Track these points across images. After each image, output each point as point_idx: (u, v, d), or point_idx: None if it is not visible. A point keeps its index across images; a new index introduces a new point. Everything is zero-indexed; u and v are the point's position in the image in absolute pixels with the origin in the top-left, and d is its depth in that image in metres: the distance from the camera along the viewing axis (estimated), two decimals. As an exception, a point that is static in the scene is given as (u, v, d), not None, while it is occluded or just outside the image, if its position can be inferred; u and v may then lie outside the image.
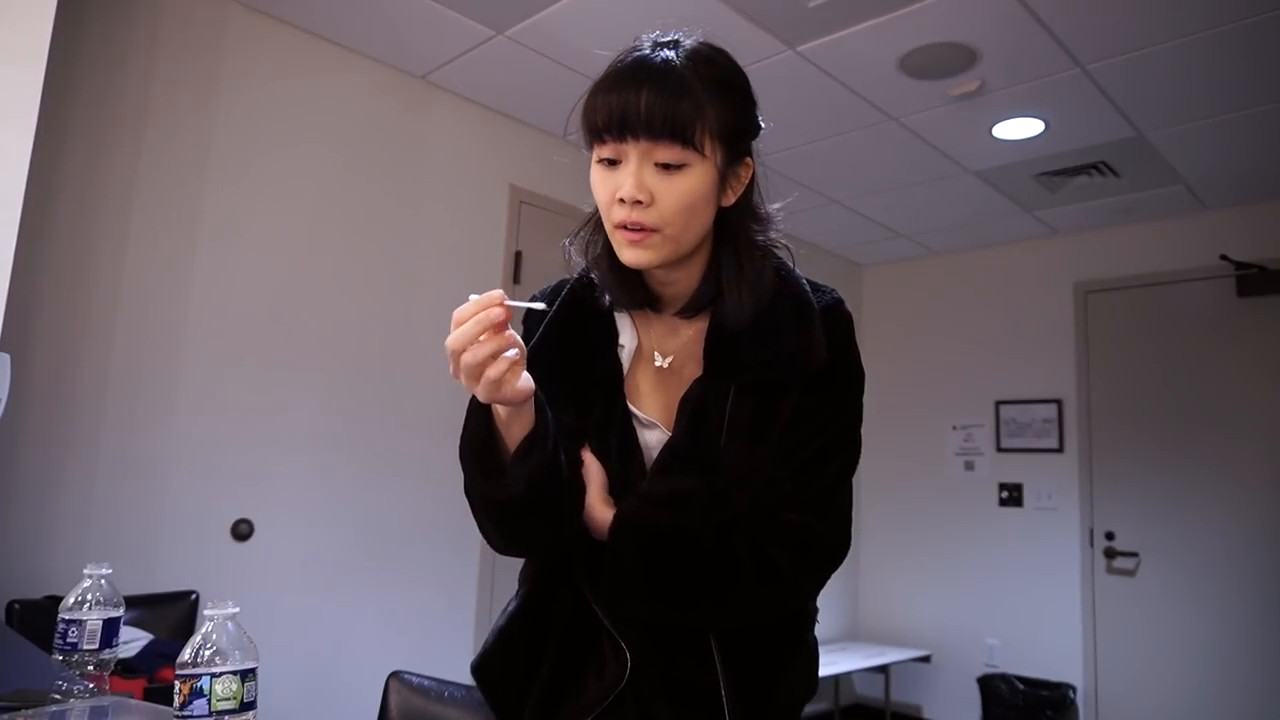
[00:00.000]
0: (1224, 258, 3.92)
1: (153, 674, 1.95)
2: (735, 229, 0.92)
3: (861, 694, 4.85)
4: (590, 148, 0.87)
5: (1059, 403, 4.39)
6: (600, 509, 0.88)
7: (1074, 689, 4.11)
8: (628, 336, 0.97)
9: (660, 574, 0.85)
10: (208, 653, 0.83)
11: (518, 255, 3.32)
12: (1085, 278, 4.41)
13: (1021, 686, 4.16)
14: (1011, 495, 4.49)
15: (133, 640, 2.04)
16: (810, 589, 0.92)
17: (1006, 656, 4.38)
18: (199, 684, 0.82)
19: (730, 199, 0.90)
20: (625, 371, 0.96)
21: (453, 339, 0.76)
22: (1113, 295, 4.33)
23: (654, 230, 0.84)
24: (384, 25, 2.74)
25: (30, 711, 0.97)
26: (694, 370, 0.93)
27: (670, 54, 0.85)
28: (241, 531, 2.53)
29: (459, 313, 0.76)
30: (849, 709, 4.78)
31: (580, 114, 0.87)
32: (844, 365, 0.93)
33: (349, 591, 2.76)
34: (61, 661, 1.07)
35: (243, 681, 0.84)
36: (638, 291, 0.95)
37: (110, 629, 1.09)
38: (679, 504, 0.87)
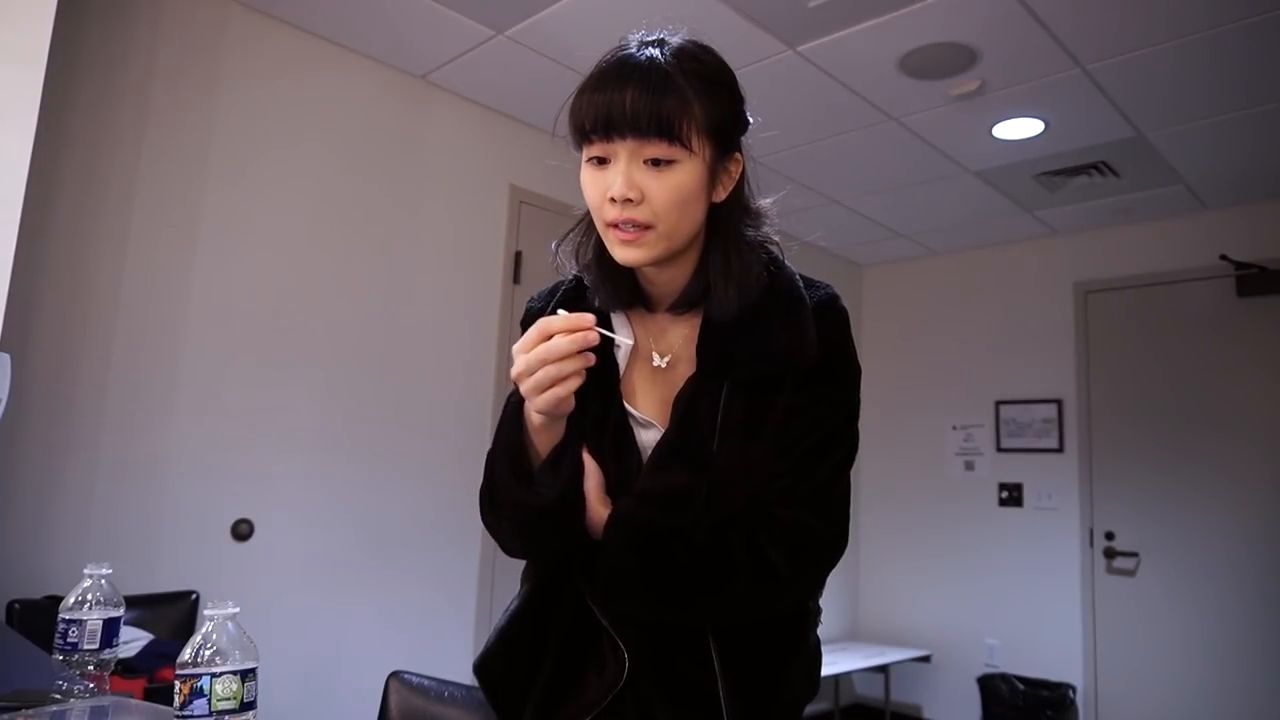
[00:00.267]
0: (1224, 258, 3.92)
1: (153, 674, 1.95)
2: (726, 225, 0.92)
3: (861, 694, 4.85)
4: (579, 148, 0.87)
5: (1059, 403, 4.39)
6: (597, 508, 0.89)
7: (1074, 689, 4.11)
8: (623, 336, 0.98)
9: (655, 571, 0.85)
10: (208, 653, 0.83)
11: (518, 255, 3.32)
12: (1085, 278, 4.41)
13: (1021, 686, 4.16)
14: (1011, 495, 4.49)
15: (133, 640, 2.04)
16: (807, 586, 0.92)
17: (1006, 656, 4.38)
18: (199, 684, 0.82)
19: (721, 194, 0.90)
20: (621, 371, 0.96)
21: (546, 350, 0.78)
22: (1113, 295, 4.33)
23: (647, 227, 0.84)
24: (384, 25, 2.74)
25: (30, 711, 0.97)
26: (687, 368, 0.93)
27: (655, 52, 0.85)
28: (241, 531, 2.53)
29: (548, 325, 0.79)
30: (849, 709, 4.78)
31: (568, 115, 0.87)
32: (839, 360, 0.92)
33: (349, 591, 2.76)
34: (61, 661, 1.07)
35: (243, 681, 0.84)
36: (628, 291, 0.96)
37: (110, 629, 1.08)
38: (673, 502, 0.87)
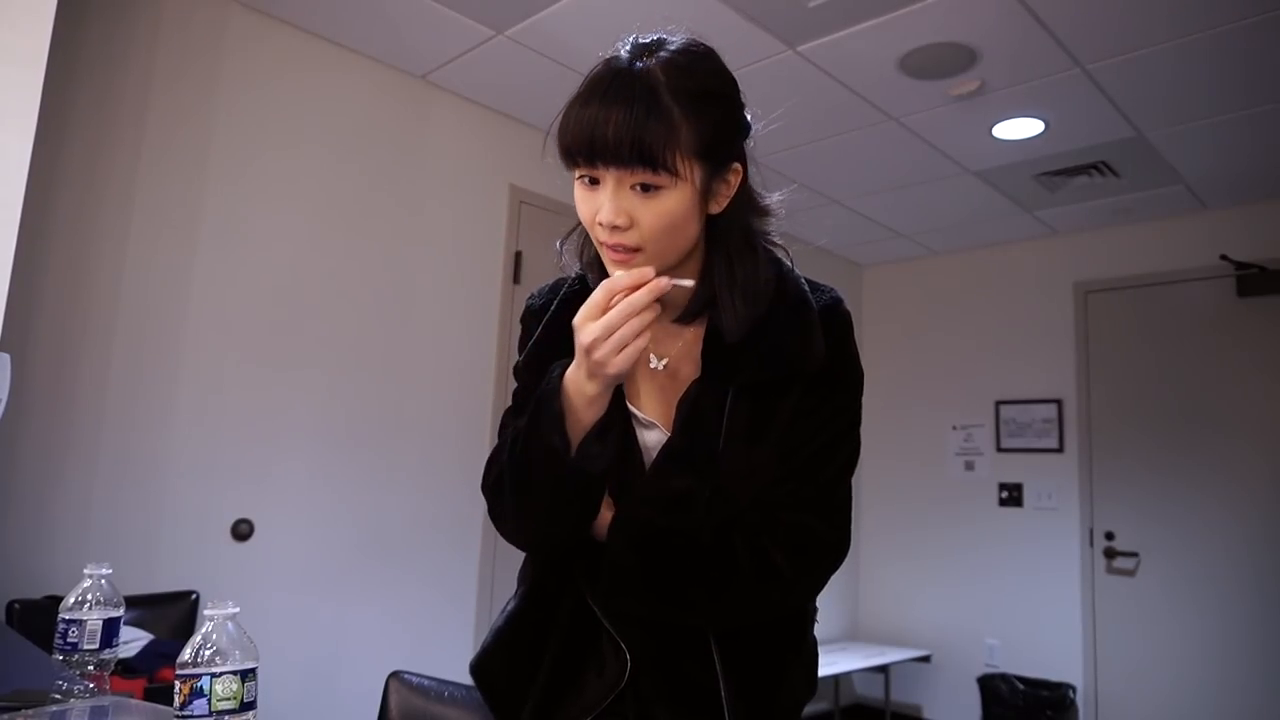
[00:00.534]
0: (1224, 258, 3.92)
1: (153, 674, 1.95)
2: (727, 235, 0.91)
3: (861, 694, 4.85)
4: (566, 168, 0.86)
5: (1059, 403, 4.39)
6: (600, 509, 0.89)
7: (1074, 689, 4.11)
8: None
9: (657, 573, 0.85)
10: (208, 653, 0.83)
11: (518, 255, 3.32)
12: (1085, 278, 4.41)
13: (1021, 686, 4.16)
14: (1011, 495, 4.49)
15: (133, 640, 2.04)
16: (809, 588, 0.91)
17: (1006, 656, 4.38)
18: (199, 684, 0.82)
19: (719, 207, 0.89)
20: None
21: (629, 304, 0.79)
22: (1113, 295, 4.33)
23: (637, 250, 0.84)
24: (384, 25, 2.74)
25: (30, 711, 0.97)
26: (692, 371, 0.93)
27: (646, 64, 0.83)
28: (241, 531, 2.53)
29: (614, 284, 0.80)
30: (849, 709, 4.78)
31: (556, 129, 0.85)
32: (843, 365, 0.92)
33: (349, 591, 2.76)
34: (61, 661, 1.07)
35: (243, 681, 0.84)
36: None
37: (110, 629, 1.09)
38: (676, 504, 0.87)
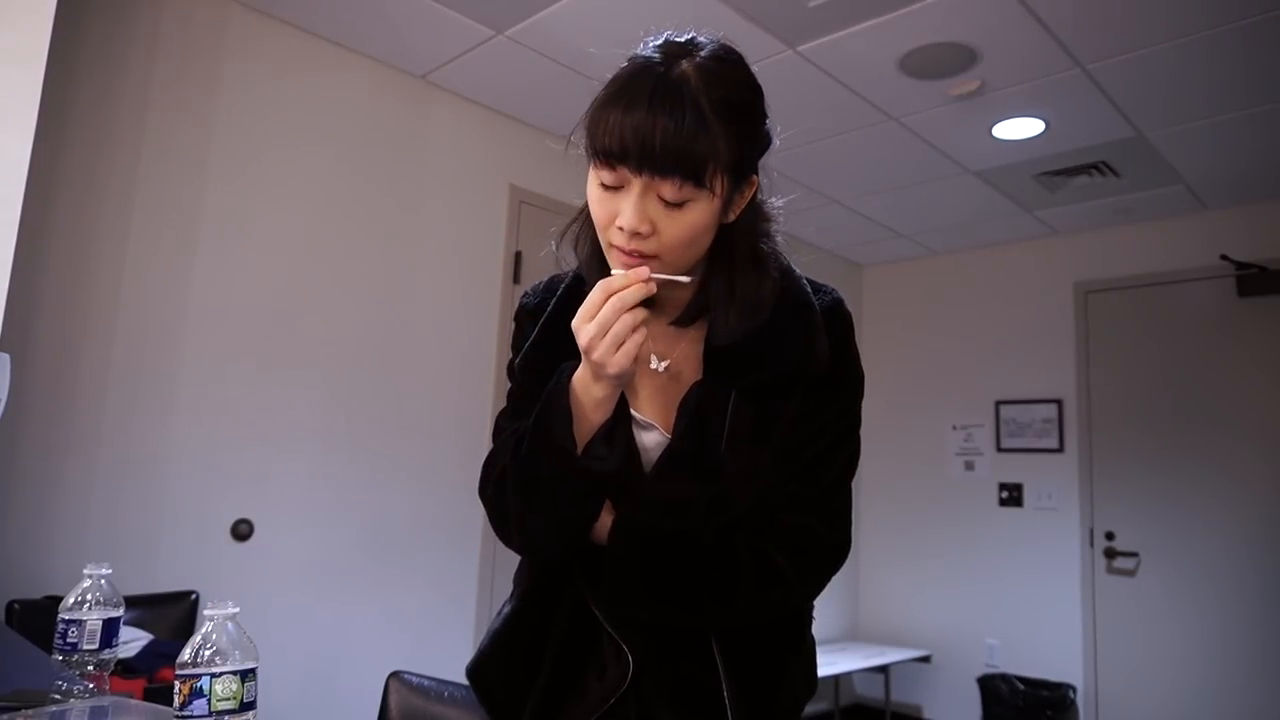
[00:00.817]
0: (1224, 258, 3.92)
1: (153, 674, 1.95)
2: (734, 245, 0.90)
3: (861, 694, 4.85)
4: (593, 165, 0.84)
5: (1059, 403, 4.39)
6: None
7: (1074, 689, 4.11)
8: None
9: (660, 577, 0.85)
10: (208, 653, 0.83)
11: (518, 255, 3.32)
12: (1085, 278, 4.41)
13: (1021, 686, 4.16)
14: (1011, 495, 4.49)
15: (133, 640, 2.04)
16: (811, 590, 0.91)
17: (1006, 656, 4.38)
18: (199, 684, 0.82)
19: (732, 216, 0.88)
20: None
21: (620, 300, 0.79)
22: (1113, 295, 4.33)
23: (654, 258, 0.83)
24: (384, 25, 2.74)
25: (30, 711, 0.97)
26: (692, 373, 0.92)
27: (684, 68, 0.80)
28: (241, 531, 2.53)
29: (610, 283, 0.80)
30: (849, 709, 4.78)
31: (587, 124, 0.83)
32: (845, 367, 0.92)
33: (349, 591, 2.76)
34: (61, 661, 1.07)
35: (243, 681, 0.84)
36: None
37: (110, 629, 1.09)
38: (679, 507, 0.87)
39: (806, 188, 3.93)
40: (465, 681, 1.02)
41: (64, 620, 1.07)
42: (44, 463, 2.20)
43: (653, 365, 0.94)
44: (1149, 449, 4.10)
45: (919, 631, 4.71)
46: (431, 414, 3.02)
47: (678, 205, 0.81)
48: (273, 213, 2.67)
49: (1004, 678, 4.25)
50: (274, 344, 2.65)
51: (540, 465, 0.85)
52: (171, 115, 2.47)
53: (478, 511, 3.10)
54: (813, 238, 4.67)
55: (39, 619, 1.94)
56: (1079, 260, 4.44)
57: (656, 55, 0.83)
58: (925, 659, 4.56)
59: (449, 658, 2.96)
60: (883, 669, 4.43)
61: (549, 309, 0.97)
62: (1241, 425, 3.85)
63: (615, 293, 0.80)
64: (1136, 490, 4.11)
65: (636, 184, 0.80)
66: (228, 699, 0.83)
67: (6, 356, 1.31)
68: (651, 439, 0.92)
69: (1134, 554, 4.08)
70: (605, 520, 0.87)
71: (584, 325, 0.80)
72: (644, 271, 0.81)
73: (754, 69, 0.89)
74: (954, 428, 4.75)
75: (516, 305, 1.03)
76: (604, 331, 0.79)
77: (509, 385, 1.00)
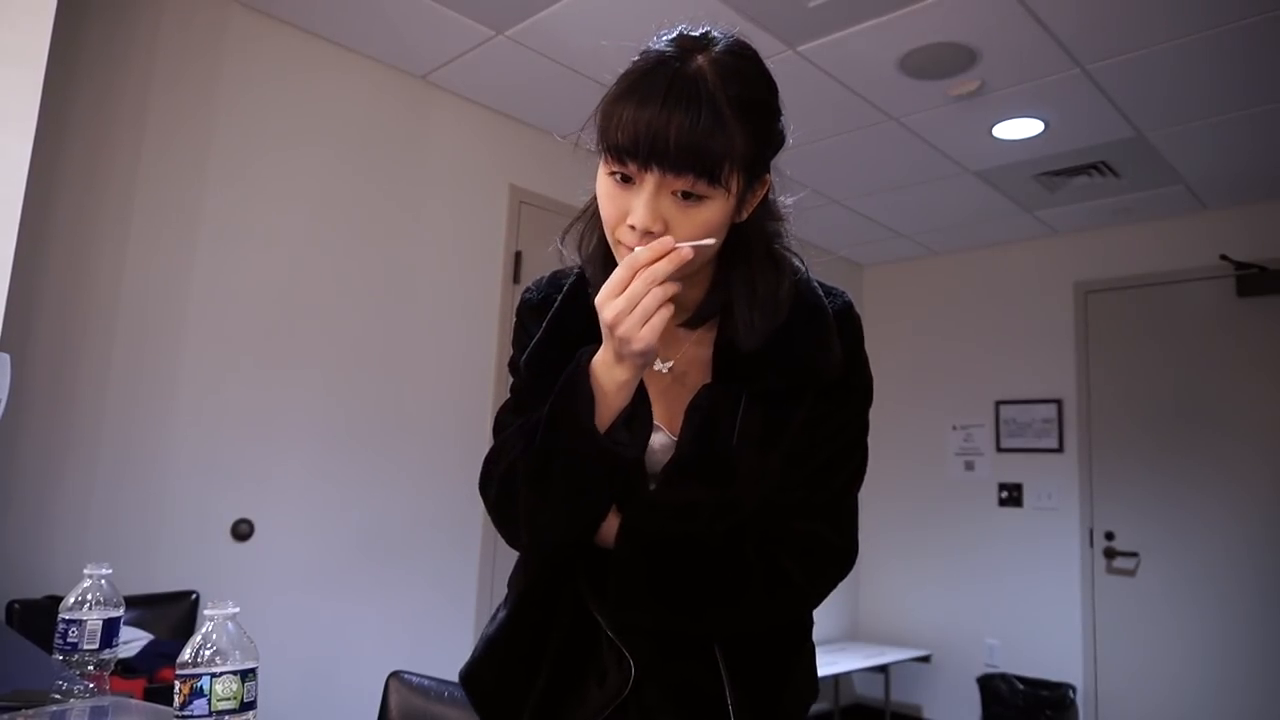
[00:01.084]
0: (1224, 258, 3.92)
1: (153, 674, 1.95)
2: (749, 244, 0.88)
3: (861, 694, 4.85)
4: (603, 159, 0.82)
5: (1059, 403, 4.39)
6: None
7: (1074, 689, 4.11)
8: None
9: (668, 581, 0.84)
10: (208, 653, 0.83)
11: (518, 255, 3.32)
12: (1085, 278, 4.41)
13: (1021, 686, 4.16)
14: (1011, 495, 4.49)
15: (133, 640, 2.04)
16: (819, 596, 0.90)
17: (1006, 656, 4.38)
18: (199, 684, 0.82)
19: (744, 215, 0.85)
20: None
21: (651, 273, 0.76)
22: (1113, 295, 4.33)
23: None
24: (384, 25, 2.74)
25: (30, 711, 0.97)
26: (700, 376, 0.91)
27: (700, 63, 0.79)
28: (241, 531, 2.53)
29: (636, 257, 0.77)
30: (849, 709, 4.78)
31: (600, 119, 0.80)
32: (856, 372, 0.91)
33: (349, 591, 2.76)
34: (61, 661, 1.07)
35: (243, 681, 0.84)
36: None
37: (110, 629, 1.09)
38: (687, 512, 0.85)
39: (806, 188, 3.93)
40: (464, 683, 1.01)
41: (64, 620, 1.07)
42: (44, 463, 2.20)
43: (657, 366, 0.93)
44: (1149, 449, 4.10)
45: (919, 631, 4.71)
46: (431, 414, 3.02)
47: (692, 203, 0.79)
48: (273, 213, 2.67)
49: (1004, 677, 4.25)
50: (274, 344, 2.65)
51: (559, 449, 0.82)
52: (172, 115, 2.48)
53: (478, 511, 3.10)
54: (813, 238, 4.66)
55: (39, 619, 1.94)
56: (1079, 260, 4.44)
57: (671, 49, 0.80)
58: (925, 659, 4.56)
59: (449, 658, 2.96)
60: (883, 669, 4.43)
61: (555, 305, 0.94)
62: (1241, 425, 3.85)
63: (642, 267, 0.77)
64: (1136, 490, 4.11)
65: (649, 181, 0.78)
66: (228, 699, 0.83)
67: (6, 356, 1.31)
68: (657, 441, 0.90)
69: (1134, 554, 4.08)
70: (611, 523, 0.85)
71: (610, 300, 0.77)
72: (669, 241, 0.77)
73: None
74: (954, 428, 4.75)
75: (518, 301, 1.01)
76: (633, 305, 0.76)
77: (511, 381, 0.99)
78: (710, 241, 0.81)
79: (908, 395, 4.91)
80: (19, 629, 1.90)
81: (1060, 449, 4.36)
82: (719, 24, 0.85)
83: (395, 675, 1.35)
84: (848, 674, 4.46)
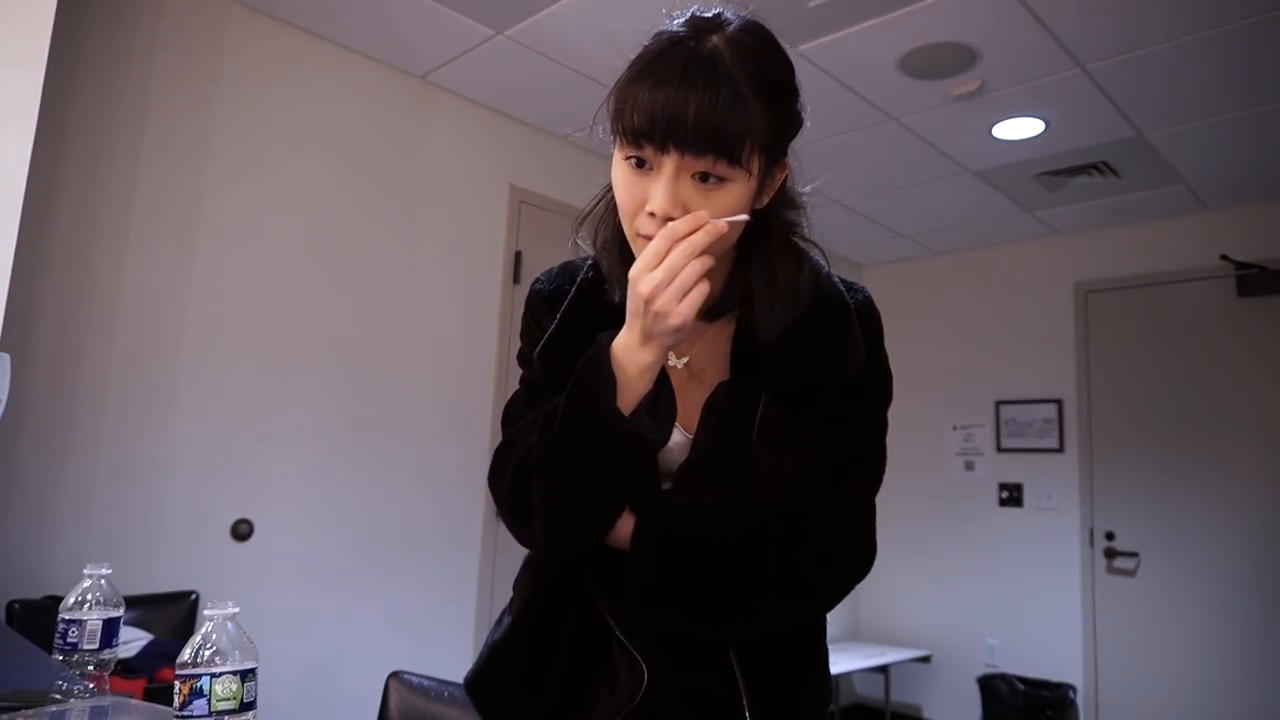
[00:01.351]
0: (1224, 258, 3.92)
1: (153, 674, 1.95)
2: (768, 231, 0.85)
3: (861, 694, 4.85)
4: (618, 145, 0.79)
5: (1059, 403, 4.39)
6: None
7: (1074, 689, 4.11)
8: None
9: (684, 584, 0.81)
10: (208, 653, 0.83)
11: (517, 255, 3.32)
12: (1085, 278, 4.41)
13: (1021, 686, 4.16)
14: (1011, 495, 4.49)
15: (133, 640, 2.04)
16: (835, 599, 0.88)
17: (1006, 656, 4.38)
18: (199, 684, 0.82)
19: (764, 201, 0.83)
20: None
21: (690, 245, 0.73)
22: (1113, 295, 4.33)
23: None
24: (384, 25, 2.74)
25: (30, 711, 0.97)
26: (717, 373, 0.88)
27: (716, 43, 0.76)
28: (241, 531, 2.53)
29: (674, 229, 0.74)
30: (849, 709, 4.78)
31: (613, 103, 0.78)
32: (875, 370, 0.89)
33: (349, 591, 2.76)
34: (61, 661, 1.07)
35: (243, 681, 0.84)
36: None
37: (110, 629, 1.09)
38: (705, 513, 0.83)
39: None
40: (465, 683, 1.00)
41: (64, 620, 1.07)
42: (44, 463, 2.20)
43: (671, 362, 0.89)
44: (1149, 449, 4.10)
45: (919, 631, 4.71)
46: (431, 414, 3.02)
47: (712, 184, 0.76)
48: (273, 212, 2.67)
49: (1004, 678, 4.25)
50: (274, 344, 2.65)
51: (580, 433, 0.78)
52: (172, 116, 2.48)
53: (478, 511, 3.10)
54: (813, 237, 4.66)
55: (39, 619, 1.94)
56: (1079, 260, 4.44)
57: (685, 30, 0.78)
58: (925, 659, 4.56)
59: (449, 658, 2.96)
60: (883, 669, 4.43)
61: (569, 296, 0.91)
62: (1241, 425, 3.85)
63: (679, 239, 0.74)
64: (1136, 490, 4.11)
65: (668, 165, 0.75)
66: (228, 699, 0.83)
67: (6, 356, 1.31)
68: (673, 439, 0.87)
69: (1134, 554, 4.08)
70: (625, 523, 0.82)
71: (646, 274, 0.74)
72: (704, 215, 0.74)
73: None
74: (954, 428, 4.75)
75: (528, 292, 0.98)
76: (672, 276, 0.73)
77: (521, 374, 0.95)
78: (744, 218, 0.79)
79: (908, 395, 4.89)
80: (19, 629, 1.90)
81: (1060, 449, 4.36)
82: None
83: (395, 675, 1.35)
84: (848, 674, 4.46)
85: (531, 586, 0.94)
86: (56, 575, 2.17)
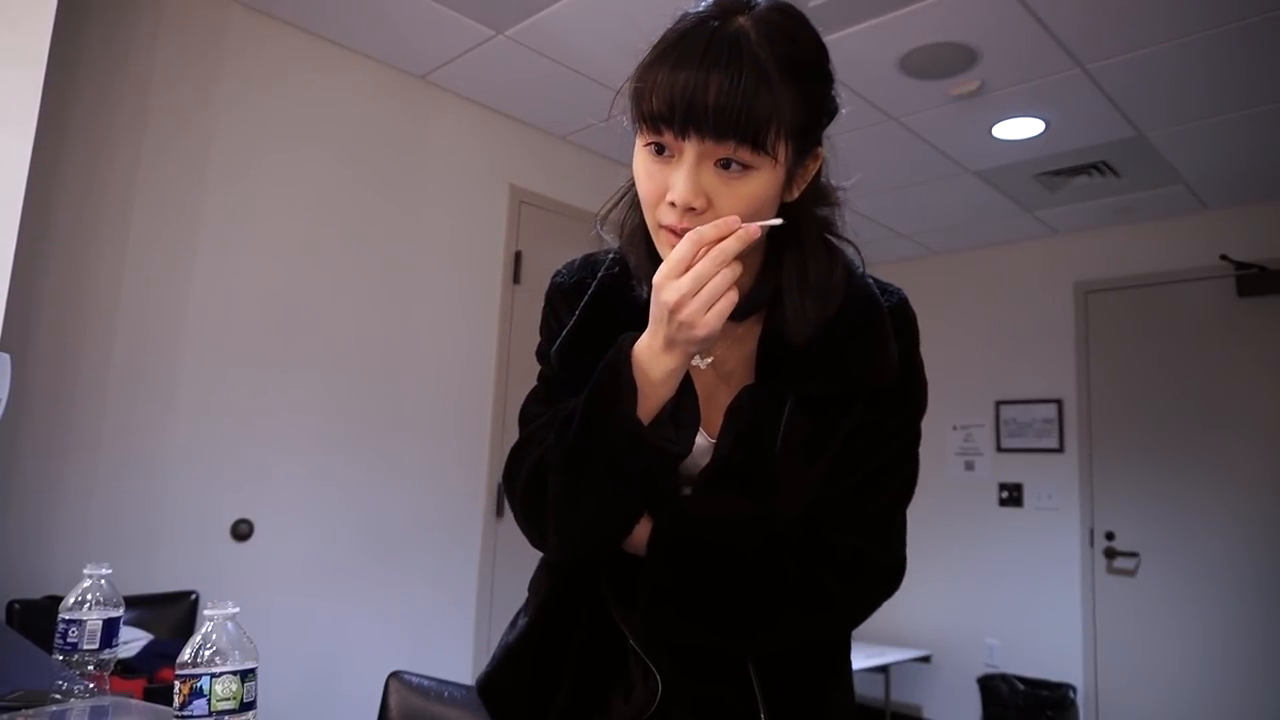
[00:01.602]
0: (1224, 258, 3.92)
1: (153, 674, 1.96)
2: (800, 225, 0.80)
3: (861, 694, 4.85)
4: (638, 132, 0.75)
5: (1059, 403, 4.39)
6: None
7: (1074, 689, 4.11)
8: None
9: (701, 596, 0.78)
10: (208, 653, 0.83)
11: (517, 255, 3.32)
12: (1085, 278, 4.41)
13: (1021, 686, 4.16)
14: (1011, 495, 4.49)
15: (133, 640, 2.04)
16: (860, 616, 0.84)
17: (1006, 656, 4.38)
18: (199, 684, 0.82)
19: (794, 193, 0.78)
20: None
21: (721, 252, 0.69)
22: (1113, 295, 4.33)
23: None
24: (384, 25, 2.74)
25: (30, 711, 0.97)
26: (743, 375, 0.84)
27: (742, 23, 0.72)
28: (241, 531, 2.53)
29: (701, 234, 0.70)
30: (849, 709, 4.77)
31: (632, 87, 0.74)
32: (909, 376, 0.85)
33: (349, 591, 2.76)
34: (61, 661, 1.07)
35: (242, 681, 0.84)
36: None
37: (110, 629, 1.08)
38: (725, 522, 0.79)
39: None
40: (466, 681, 1.00)
41: (64, 620, 1.07)
42: (44, 463, 2.20)
43: (695, 362, 0.84)
44: (1149, 449, 4.10)
45: (919, 631, 4.70)
46: (431, 414, 3.02)
47: (736, 172, 0.72)
48: (273, 213, 2.67)
49: (1004, 678, 4.24)
50: (274, 344, 2.65)
51: (597, 442, 0.75)
52: (171, 116, 2.48)
53: (478, 511, 3.10)
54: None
55: (39, 619, 1.94)
56: (1079, 260, 4.44)
57: (710, 10, 0.74)
58: (925, 659, 4.56)
59: (449, 658, 2.97)
60: (883, 669, 4.42)
61: (590, 291, 0.87)
62: (1241, 425, 3.85)
63: (706, 244, 0.70)
64: (1137, 490, 4.11)
65: (689, 151, 0.71)
66: (228, 699, 0.83)
67: (6, 356, 1.31)
68: (696, 443, 0.83)
69: (1134, 554, 4.08)
70: (642, 529, 0.79)
71: (671, 281, 0.70)
72: (734, 220, 0.70)
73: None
74: (954, 428, 4.75)
75: (548, 285, 0.93)
76: (700, 285, 0.69)
77: (540, 370, 0.92)
78: (777, 221, 0.75)
79: (908, 395, 4.90)
80: (19, 629, 1.90)
81: (1060, 449, 4.35)
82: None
83: (395, 675, 1.35)
84: (848, 674, 4.45)
85: (547, 589, 0.91)
86: (56, 575, 2.17)
